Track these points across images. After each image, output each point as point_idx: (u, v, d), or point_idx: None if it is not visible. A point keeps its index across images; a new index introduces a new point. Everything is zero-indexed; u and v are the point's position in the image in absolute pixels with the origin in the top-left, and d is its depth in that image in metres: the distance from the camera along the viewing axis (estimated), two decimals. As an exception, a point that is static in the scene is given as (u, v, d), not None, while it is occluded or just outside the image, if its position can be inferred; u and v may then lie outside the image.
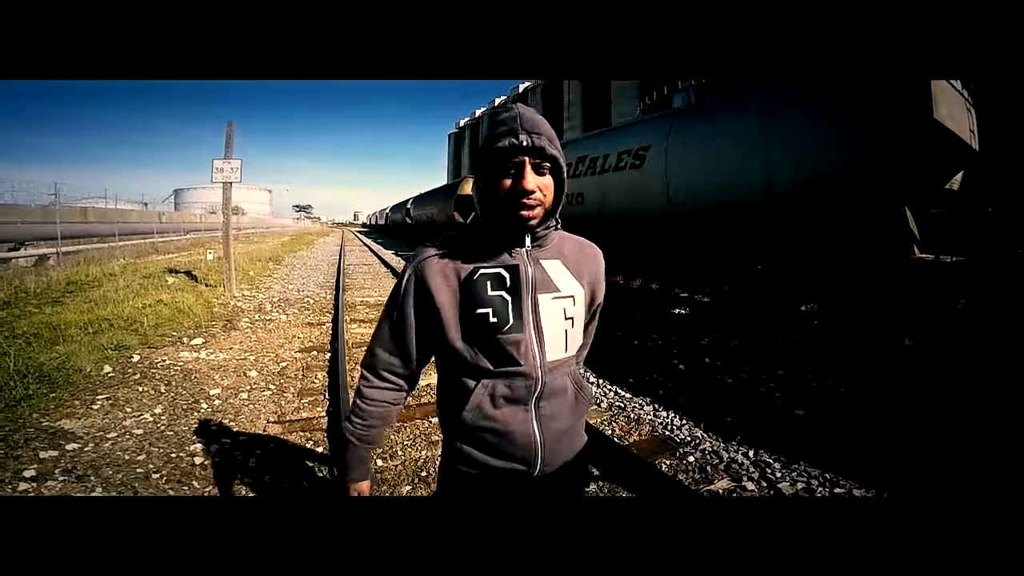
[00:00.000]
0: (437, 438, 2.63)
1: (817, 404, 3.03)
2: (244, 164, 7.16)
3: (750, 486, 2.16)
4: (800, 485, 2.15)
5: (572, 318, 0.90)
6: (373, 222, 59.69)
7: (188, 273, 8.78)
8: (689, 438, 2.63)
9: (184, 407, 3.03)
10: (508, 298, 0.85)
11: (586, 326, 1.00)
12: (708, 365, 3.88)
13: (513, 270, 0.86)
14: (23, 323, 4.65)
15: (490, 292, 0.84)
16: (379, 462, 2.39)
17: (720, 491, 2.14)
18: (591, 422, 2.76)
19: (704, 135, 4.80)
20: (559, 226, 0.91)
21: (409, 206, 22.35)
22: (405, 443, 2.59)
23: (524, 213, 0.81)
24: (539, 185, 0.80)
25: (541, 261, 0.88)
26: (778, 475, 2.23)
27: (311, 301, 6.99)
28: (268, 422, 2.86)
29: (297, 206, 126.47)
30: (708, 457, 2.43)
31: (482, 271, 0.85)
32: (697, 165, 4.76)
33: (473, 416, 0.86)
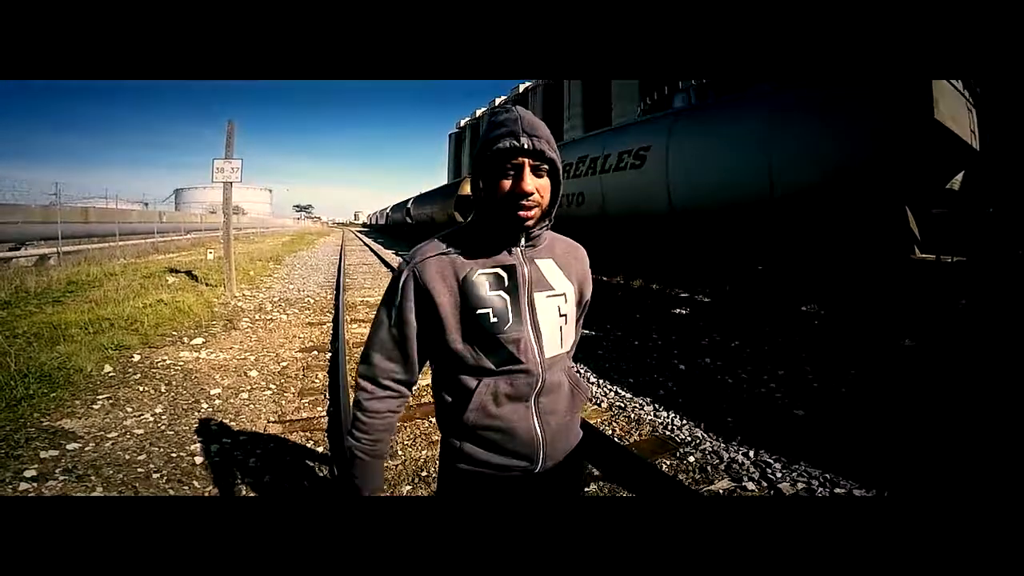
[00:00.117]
0: (437, 438, 2.62)
1: (817, 404, 3.03)
2: (244, 164, 7.20)
3: (750, 486, 2.16)
4: (800, 485, 2.15)
5: (566, 315, 0.93)
6: (374, 222, 59.67)
7: (188, 273, 8.80)
8: (689, 438, 2.63)
9: (185, 407, 3.03)
10: (507, 297, 0.86)
11: (576, 322, 1.02)
12: (708, 365, 3.87)
13: (510, 269, 0.87)
14: (24, 323, 4.66)
15: (489, 292, 0.85)
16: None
17: (720, 491, 2.14)
18: (592, 422, 2.76)
19: (705, 135, 4.80)
20: (551, 226, 0.93)
21: (409, 206, 22.36)
22: (405, 443, 2.59)
23: (522, 214, 0.82)
24: (537, 187, 0.81)
25: (535, 260, 0.90)
26: (778, 475, 2.22)
27: (311, 301, 6.99)
28: (268, 422, 2.86)
29: (297, 206, 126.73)
30: (708, 457, 2.42)
31: (480, 271, 0.86)
32: (698, 165, 4.76)
33: (476, 416, 0.86)
